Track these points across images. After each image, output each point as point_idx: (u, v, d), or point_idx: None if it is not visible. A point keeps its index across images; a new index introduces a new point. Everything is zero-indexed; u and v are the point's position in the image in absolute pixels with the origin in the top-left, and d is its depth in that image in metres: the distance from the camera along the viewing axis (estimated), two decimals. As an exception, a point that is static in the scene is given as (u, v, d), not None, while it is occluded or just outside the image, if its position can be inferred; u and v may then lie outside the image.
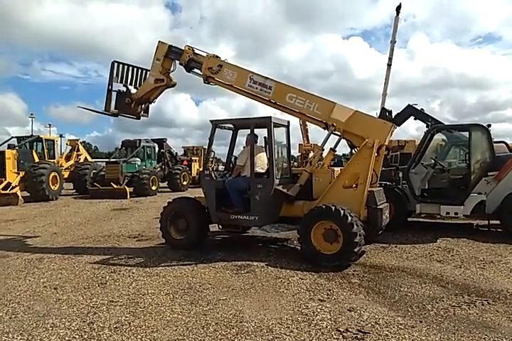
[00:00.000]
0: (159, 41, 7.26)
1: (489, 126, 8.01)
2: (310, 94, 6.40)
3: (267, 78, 6.55)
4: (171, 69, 7.37)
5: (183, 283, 4.89)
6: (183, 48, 7.10)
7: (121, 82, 7.71)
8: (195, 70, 7.11)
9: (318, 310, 3.97)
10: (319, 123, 6.36)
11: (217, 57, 6.90)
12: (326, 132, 6.40)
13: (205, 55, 6.98)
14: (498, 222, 7.71)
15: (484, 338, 3.35)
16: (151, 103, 8.03)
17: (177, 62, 7.24)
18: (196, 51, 7.10)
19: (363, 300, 4.29)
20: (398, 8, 19.43)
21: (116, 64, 7.58)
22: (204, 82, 7.00)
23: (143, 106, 8.00)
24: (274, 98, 6.53)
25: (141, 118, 8.15)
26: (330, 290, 4.59)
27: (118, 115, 7.82)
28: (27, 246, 7.33)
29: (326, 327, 3.59)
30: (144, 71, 7.86)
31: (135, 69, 7.87)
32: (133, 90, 7.83)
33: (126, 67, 7.76)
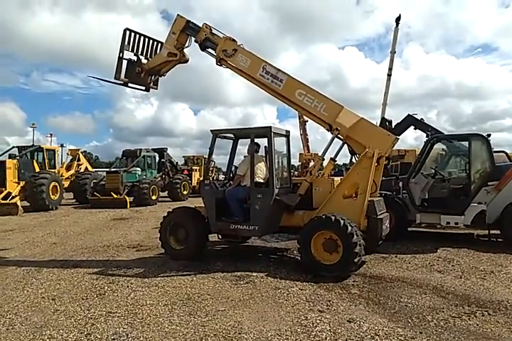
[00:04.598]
0: (178, 14, 7.12)
1: (489, 135, 8.03)
2: (320, 94, 6.35)
3: (279, 70, 6.48)
4: (186, 44, 7.23)
5: (181, 293, 4.86)
6: (201, 26, 6.99)
7: (132, 50, 7.40)
8: (210, 50, 7.02)
9: (318, 321, 3.94)
10: (324, 124, 6.33)
11: (233, 40, 6.79)
12: (327, 142, 6.43)
13: (222, 36, 6.88)
14: (498, 231, 7.69)
15: (485, 350, 3.32)
16: (161, 76, 7.83)
17: (193, 39, 7.13)
18: (214, 31, 6.99)
19: (362, 311, 4.26)
20: (398, 19, 19.60)
21: (128, 32, 7.25)
22: (216, 64, 6.94)
23: (153, 77, 7.83)
24: (283, 91, 6.47)
25: (150, 90, 7.96)
26: (329, 300, 4.55)
27: (127, 84, 7.61)
28: (26, 256, 7.32)
29: (326, 338, 3.56)
30: (156, 42, 7.65)
31: (147, 39, 7.58)
32: (144, 60, 7.58)
33: (138, 36, 7.46)
